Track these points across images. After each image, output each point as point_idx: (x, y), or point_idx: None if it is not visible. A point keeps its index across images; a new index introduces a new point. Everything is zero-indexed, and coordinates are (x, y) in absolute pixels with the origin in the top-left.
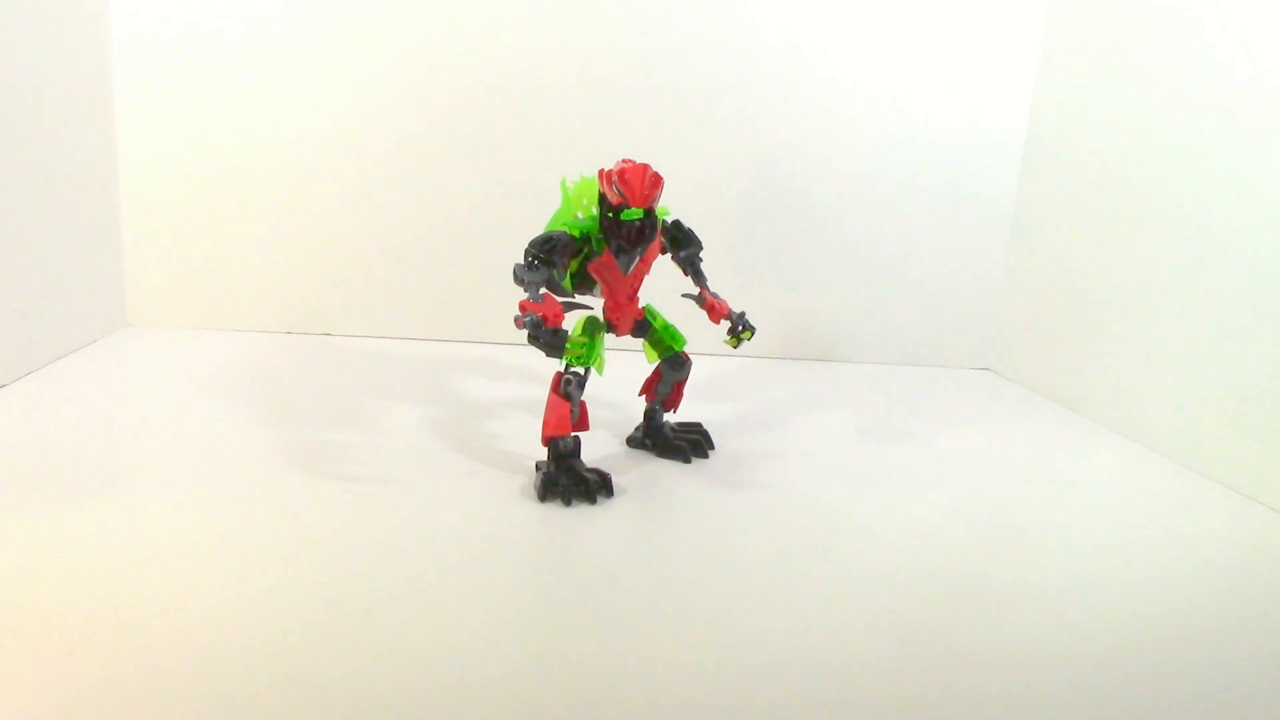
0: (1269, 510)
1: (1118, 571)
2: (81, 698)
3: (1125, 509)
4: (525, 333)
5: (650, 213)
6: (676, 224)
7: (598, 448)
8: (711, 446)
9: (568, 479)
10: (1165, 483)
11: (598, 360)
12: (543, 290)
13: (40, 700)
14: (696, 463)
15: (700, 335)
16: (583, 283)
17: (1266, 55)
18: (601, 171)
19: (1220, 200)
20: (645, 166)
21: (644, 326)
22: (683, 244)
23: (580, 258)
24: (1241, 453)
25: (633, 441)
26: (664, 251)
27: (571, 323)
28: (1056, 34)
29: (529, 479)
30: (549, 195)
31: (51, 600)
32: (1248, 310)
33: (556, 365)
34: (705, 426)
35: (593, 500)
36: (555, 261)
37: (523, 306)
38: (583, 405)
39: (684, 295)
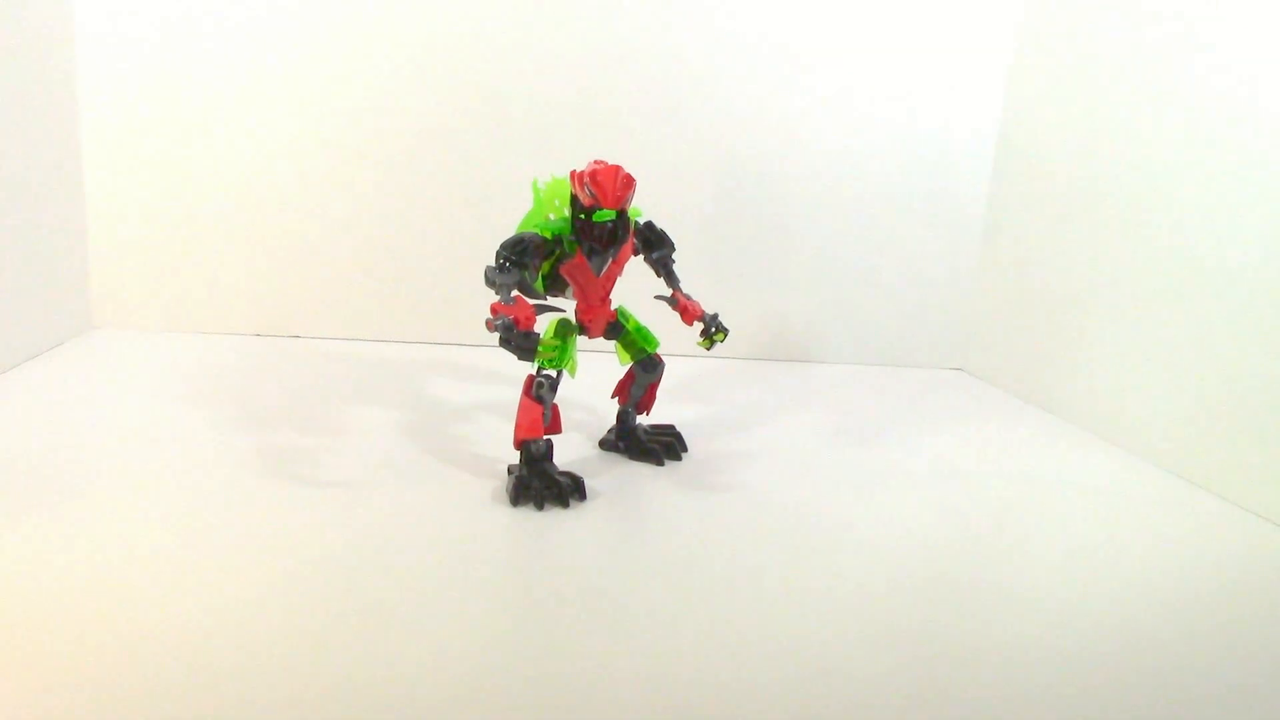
0: (1240, 509)
1: (1088, 572)
2: (45, 708)
3: (1098, 509)
4: (497, 335)
5: (622, 214)
6: (649, 225)
7: (570, 451)
8: (685, 449)
9: (540, 482)
10: (1138, 483)
11: (570, 363)
12: (514, 292)
13: (5, 710)
14: (670, 465)
15: (673, 337)
16: (554, 284)
17: (1238, 56)
18: (573, 173)
19: (1192, 200)
20: (617, 168)
21: (616, 328)
22: (655, 245)
23: (552, 259)
24: (1213, 452)
25: (606, 444)
26: (636, 253)
27: (543, 325)
28: (1028, 36)
29: (501, 482)
30: (520, 196)
31: (14, 608)
32: (1219, 310)
33: (528, 368)
34: (678, 428)
35: (565, 504)
36: (527, 263)
37: (494, 309)
38: (555, 408)
39: (657, 297)
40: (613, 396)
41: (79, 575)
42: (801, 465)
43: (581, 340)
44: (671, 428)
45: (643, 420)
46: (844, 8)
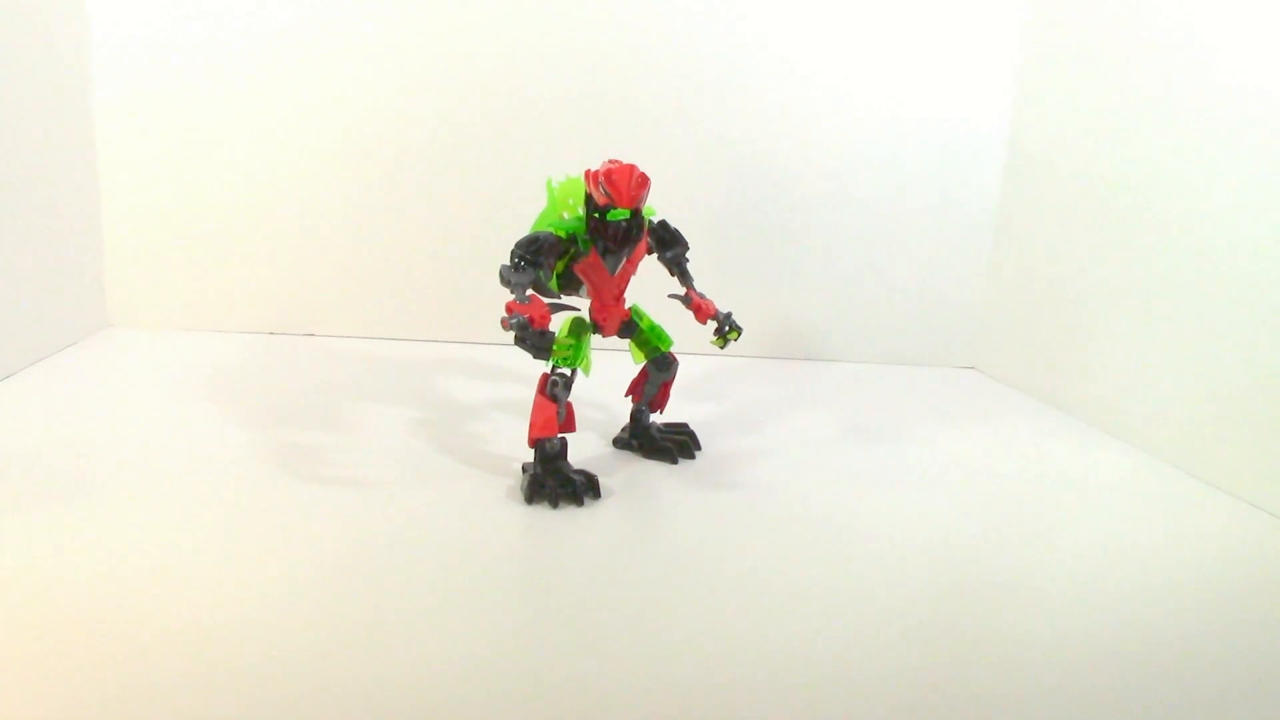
0: (1251, 506)
1: (1100, 568)
2: (55, 705)
3: (1110, 506)
4: (511, 334)
5: (637, 213)
6: (663, 224)
7: (584, 449)
8: (698, 447)
9: (554, 481)
10: (1149, 480)
11: (584, 361)
12: (529, 291)
13: (12, 709)
14: (683, 463)
15: (687, 335)
16: (569, 283)
17: (1246, 55)
18: (588, 172)
19: (1203, 198)
20: (632, 167)
21: (630, 327)
22: (669, 244)
23: (566, 258)
24: (1223, 449)
25: (619, 442)
26: (650, 252)
27: (558, 324)
28: (1038, 34)
29: (515, 481)
30: (535, 195)
31: (32, 605)
32: (1230, 308)
33: (543, 366)
34: (692, 427)
35: (579, 502)
36: (541, 262)
37: (509, 307)
38: (569, 406)
39: (670, 295)
40: (626, 395)
41: (93, 572)
42: (814, 464)
43: (595, 339)
44: (685, 426)
45: (656, 418)
46: (855, 8)
